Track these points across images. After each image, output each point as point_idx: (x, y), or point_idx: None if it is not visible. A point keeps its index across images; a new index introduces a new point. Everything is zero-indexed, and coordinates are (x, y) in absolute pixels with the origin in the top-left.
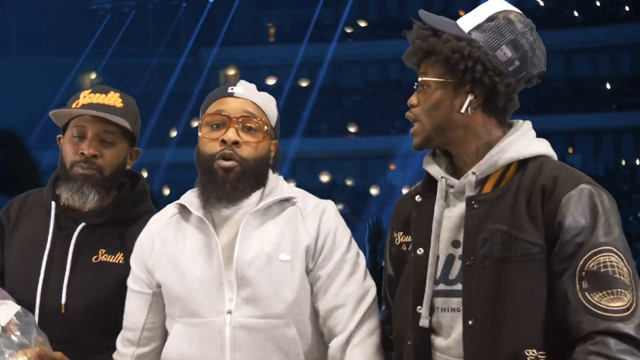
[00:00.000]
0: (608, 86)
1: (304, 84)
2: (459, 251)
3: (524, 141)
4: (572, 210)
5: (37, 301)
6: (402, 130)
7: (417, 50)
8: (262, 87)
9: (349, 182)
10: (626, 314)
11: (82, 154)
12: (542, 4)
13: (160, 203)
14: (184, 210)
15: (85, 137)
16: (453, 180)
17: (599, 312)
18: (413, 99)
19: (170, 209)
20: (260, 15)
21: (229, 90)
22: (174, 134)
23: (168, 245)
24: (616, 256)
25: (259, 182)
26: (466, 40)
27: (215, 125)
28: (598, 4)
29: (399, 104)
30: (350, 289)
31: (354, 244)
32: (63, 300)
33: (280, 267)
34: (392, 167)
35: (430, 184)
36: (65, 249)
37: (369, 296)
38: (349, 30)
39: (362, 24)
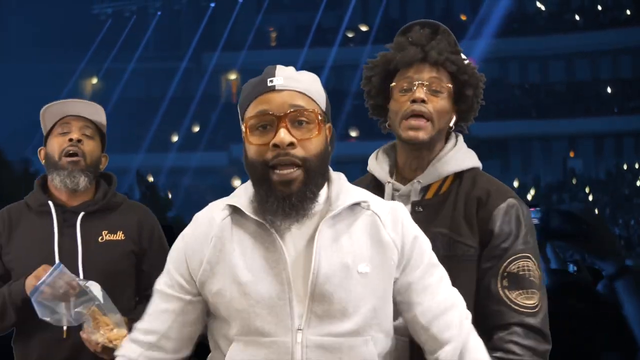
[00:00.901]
0: (609, 90)
1: None
2: None
3: (460, 155)
4: (500, 220)
5: None
6: None
7: (445, 59)
8: None
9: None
10: (535, 310)
11: (70, 139)
12: (543, 8)
13: (163, 207)
14: (235, 213)
15: (70, 131)
16: (399, 185)
17: (515, 307)
18: (422, 95)
19: (219, 211)
20: (262, 19)
21: (269, 84)
22: (175, 138)
23: (226, 254)
24: (532, 262)
25: (325, 177)
26: (473, 67)
27: (261, 127)
28: (599, 8)
29: None
30: (447, 293)
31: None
32: (81, 276)
33: (359, 281)
34: None
35: (376, 184)
36: (73, 235)
37: (459, 301)
38: (350, 35)
39: (364, 28)
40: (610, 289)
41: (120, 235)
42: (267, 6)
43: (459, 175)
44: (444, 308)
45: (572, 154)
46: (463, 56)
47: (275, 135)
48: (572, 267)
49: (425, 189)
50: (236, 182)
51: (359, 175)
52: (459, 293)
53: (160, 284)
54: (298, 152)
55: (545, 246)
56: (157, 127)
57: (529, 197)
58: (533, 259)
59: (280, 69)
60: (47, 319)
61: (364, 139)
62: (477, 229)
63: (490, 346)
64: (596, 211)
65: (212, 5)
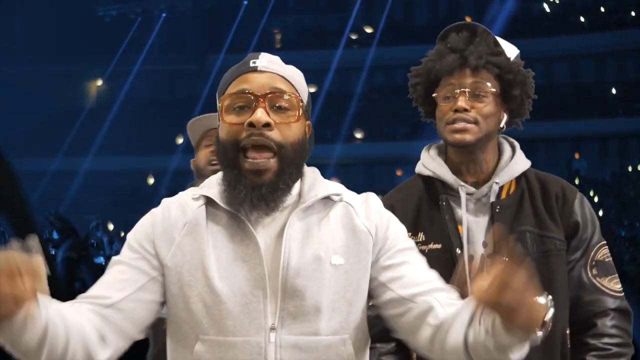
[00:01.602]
0: (614, 91)
1: (310, 90)
2: (488, 250)
3: (522, 156)
4: (580, 212)
5: None
6: (408, 136)
7: (485, 62)
8: None
9: (354, 188)
10: (623, 293)
11: (211, 152)
12: (548, 10)
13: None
14: (208, 204)
15: (212, 144)
16: (471, 189)
17: (610, 292)
18: (464, 104)
19: (192, 200)
20: (267, 22)
21: (252, 64)
22: (180, 140)
23: (199, 244)
24: (607, 249)
25: (299, 171)
26: (518, 64)
27: (239, 107)
28: (603, 9)
29: (405, 110)
30: (429, 273)
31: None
32: None
33: (333, 273)
34: (398, 173)
35: (430, 186)
36: None
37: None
38: (354, 37)
39: (368, 30)
40: None
41: None
42: (271, 8)
43: (522, 174)
44: (428, 283)
45: (577, 156)
46: (508, 53)
47: (251, 115)
48: None
49: (499, 190)
50: None
51: (363, 176)
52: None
53: (121, 256)
54: (274, 134)
55: None
56: (161, 129)
57: None
58: (607, 246)
59: (264, 54)
60: None
61: (369, 141)
62: (562, 223)
63: (594, 333)
64: (601, 213)
65: (217, 7)
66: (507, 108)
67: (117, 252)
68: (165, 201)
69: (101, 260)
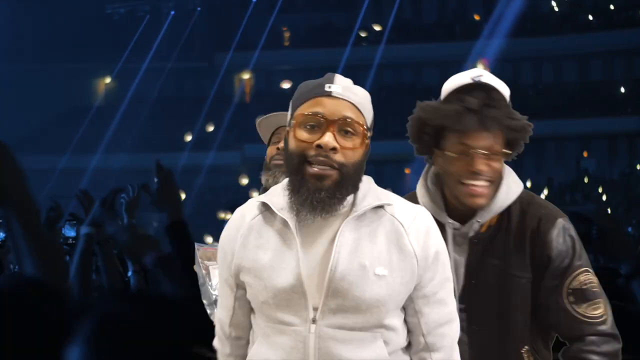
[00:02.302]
0: (622, 90)
1: None
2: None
3: (507, 188)
4: (555, 243)
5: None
6: None
7: (503, 128)
8: (277, 91)
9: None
10: (604, 318)
11: (277, 148)
12: (556, 8)
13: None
14: (267, 210)
15: (281, 140)
16: (457, 225)
17: (586, 319)
18: (483, 167)
19: (253, 209)
20: (275, 19)
21: (327, 89)
22: (188, 138)
23: (249, 251)
24: (590, 274)
25: (356, 186)
26: (526, 122)
27: (310, 126)
28: (612, 7)
29: (413, 109)
30: (452, 306)
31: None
32: None
33: (375, 282)
34: (407, 171)
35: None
36: None
37: (455, 315)
38: (363, 35)
39: (377, 28)
40: (627, 288)
41: None
42: (280, 6)
43: (506, 208)
44: (446, 320)
45: (585, 154)
46: (506, 94)
47: (321, 136)
48: None
49: (478, 227)
50: (244, 181)
51: (372, 174)
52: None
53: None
54: (338, 157)
55: None
56: (170, 127)
57: (542, 197)
58: (590, 269)
59: (339, 78)
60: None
61: (377, 139)
62: (532, 258)
63: (570, 355)
64: (609, 211)
65: (226, 5)
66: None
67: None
68: (234, 213)
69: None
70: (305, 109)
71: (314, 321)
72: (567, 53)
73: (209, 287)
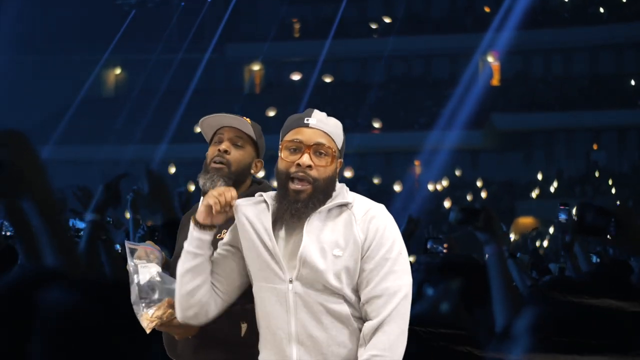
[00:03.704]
0: (633, 82)
1: (329, 79)
2: None
3: None
4: None
5: None
6: (427, 126)
7: None
8: (287, 83)
9: (373, 178)
10: None
11: (218, 150)
12: (566, 0)
13: (185, 199)
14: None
15: (222, 141)
16: None
17: None
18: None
19: (258, 197)
20: (285, 10)
21: (305, 122)
22: (198, 129)
23: (250, 223)
24: None
25: (327, 196)
26: None
27: (292, 149)
28: (623, 0)
29: (423, 100)
30: (387, 283)
31: (398, 245)
32: None
33: (333, 260)
34: (416, 162)
35: None
36: None
37: (400, 292)
38: (373, 26)
39: (387, 19)
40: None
41: (223, 234)
42: None
43: None
44: (379, 294)
45: (595, 147)
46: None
47: (300, 157)
48: (595, 259)
49: None
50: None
51: (381, 166)
52: (405, 285)
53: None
54: (313, 173)
55: (574, 245)
56: (180, 118)
57: (552, 189)
58: None
59: (316, 112)
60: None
61: (387, 131)
62: None
63: None
64: (618, 203)
65: None
66: None
67: (138, 240)
68: (243, 202)
69: (117, 247)
70: (289, 136)
71: (290, 281)
72: (577, 45)
73: (136, 286)
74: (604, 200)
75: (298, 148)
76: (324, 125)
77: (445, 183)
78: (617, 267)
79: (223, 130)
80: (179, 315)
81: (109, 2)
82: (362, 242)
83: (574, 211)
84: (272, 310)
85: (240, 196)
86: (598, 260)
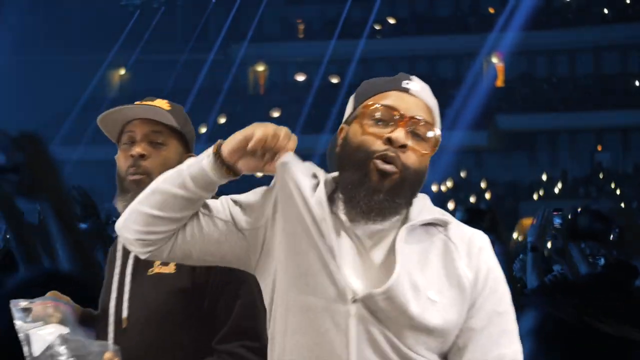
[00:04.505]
0: (637, 83)
1: (334, 80)
2: None
3: None
4: None
5: (110, 319)
6: None
7: None
8: (291, 83)
9: None
10: None
11: (131, 156)
12: (571, 1)
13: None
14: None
15: (135, 141)
16: None
17: None
18: None
19: (308, 167)
20: (290, 11)
21: (404, 85)
22: (203, 130)
23: (305, 203)
24: None
25: (413, 196)
26: None
27: (379, 119)
28: (628, 1)
29: None
30: (501, 349)
31: (508, 292)
32: (125, 314)
33: (425, 306)
34: None
35: None
36: (126, 266)
37: (516, 352)
38: (378, 27)
39: (391, 20)
40: None
41: (171, 268)
42: None
43: None
44: None
45: (599, 148)
46: None
47: (392, 131)
48: (602, 261)
49: None
50: (258, 172)
51: None
52: (516, 343)
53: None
54: (404, 158)
55: (570, 249)
56: None
57: (556, 190)
58: None
59: (416, 78)
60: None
61: None
62: None
63: None
64: (622, 205)
65: None
66: None
67: None
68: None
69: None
70: (378, 100)
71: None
72: (581, 46)
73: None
74: (608, 202)
75: (389, 119)
76: (427, 97)
77: (449, 184)
78: (622, 270)
79: (132, 127)
80: (131, 228)
81: (114, 2)
82: (470, 285)
83: (569, 216)
84: (320, 337)
85: None
86: (603, 262)
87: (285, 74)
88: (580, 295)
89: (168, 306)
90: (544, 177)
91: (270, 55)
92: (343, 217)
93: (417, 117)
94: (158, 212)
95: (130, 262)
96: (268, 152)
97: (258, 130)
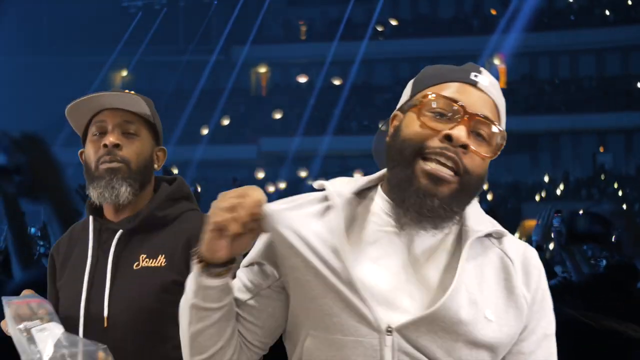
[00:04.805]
0: (639, 85)
1: (336, 82)
2: None
3: None
4: None
5: (80, 319)
6: None
7: None
8: (293, 85)
9: None
10: None
11: (105, 145)
12: (573, 2)
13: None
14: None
15: (106, 132)
16: None
17: None
18: None
19: (315, 201)
20: (292, 13)
21: (472, 77)
22: (205, 131)
23: (305, 243)
24: None
25: (470, 204)
26: None
27: (440, 113)
28: (630, 2)
29: None
30: None
31: (552, 310)
32: (105, 313)
33: (484, 326)
34: None
35: None
36: (105, 262)
37: None
38: (380, 29)
39: (394, 22)
40: None
41: (160, 261)
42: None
43: None
44: None
45: (601, 149)
46: None
47: (452, 128)
48: (604, 262)
49: None
50: (260, 174)
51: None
52: None
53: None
54: (465, 160)
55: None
56: (187, 120)
57: (558, 192)
58: None
59: (485, 71)
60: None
61: None
62: None
63: None
64: (624, 207)
65: None
66: None
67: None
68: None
69: None
70: (440, 90)
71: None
72: (583, 48)
73: (35, 358)
74: (610, 203)
75: (451, 113)
76: (495, 93)
77: None
78: (623, 271)
79: (102, 116)
80: None
81: (116, 4)
82: (528, 307)
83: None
84: None
85: (149, 206)
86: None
87: (287, 75)
88: (582, 295)
89: (159, 300)
90: (546, 179)
91: (272, 56)
92: (390, 225)
93: (483, 115)
94: (213, 348)
95: (110, 257)
96: (249, 222)
97: (221, 215)
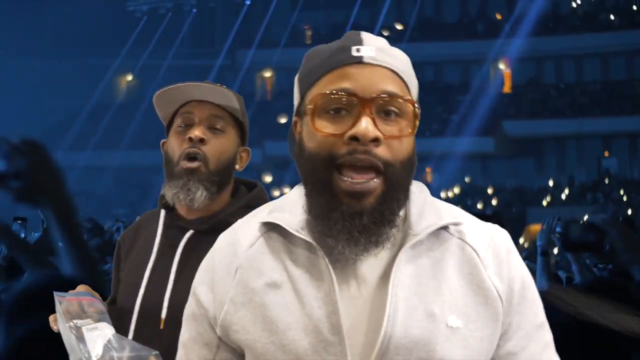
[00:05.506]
0: None
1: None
2: None
3: None
4: None
5: (134, 314)
6: (438, 132)
7: None
8: None
9: None
10: None
11: (190, 139)
12: (577, 7)
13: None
14: (276, 231)
15: (192, 124)
16: None
17: None
18: None
19: (250, 232)
20: (297, 17)
21: (355, 53)
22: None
23: (255, 293)
24: None
25: (407, 195)
26: None
27: (334, 110)
28: (635, 7)
29: (434, 107)
30: None
31: (538, 294)
32: (163, 315)
33: (448, 338)
34: (427, 170)
35: None
36: (171, 260)
37: None
38: (385, 33)
39: (399, 26)
40: None
41: None
42: (302, 4)
43: None
44: None
45: (606, 154)
46: None
47: (354, 124)
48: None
49: None
50: (267, 178)
51: None
52: (556, 355)
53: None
54: (382, 152)
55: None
56: None
57: (563, 196)
58: None
59: (368, 37)
60: None
61: None
62: None
63: None
64: (629, 211)
65: (248, 2)
66: None
67: None
68: (217, 240)
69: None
70: (325, 86)
71: None
72: (588, 52)
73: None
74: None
75: (347, 107)
76: (389, 59)
77: (456, 190)
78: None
79: (190, 108)
80: None
81: (121, 8)
82: (505, 299)
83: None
84: None
85: (225, 211)
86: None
87: (292, 79)
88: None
89: None
90: (551, 183)
91: (277, 61)
92: (325, 256)
93: (381, 93)
94: None
95: (177, 256)
96: None
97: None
